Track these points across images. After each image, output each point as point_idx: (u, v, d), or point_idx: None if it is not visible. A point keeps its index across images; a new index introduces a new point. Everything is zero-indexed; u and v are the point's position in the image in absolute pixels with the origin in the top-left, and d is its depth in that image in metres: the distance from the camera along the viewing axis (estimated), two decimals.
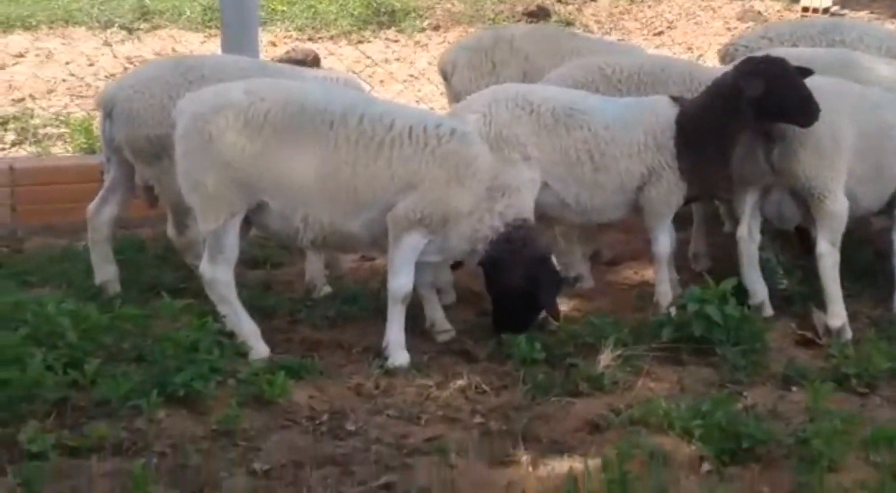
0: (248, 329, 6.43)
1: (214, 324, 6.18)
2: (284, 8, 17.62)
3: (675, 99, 7.30)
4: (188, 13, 17.02)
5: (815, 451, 5.37)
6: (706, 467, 5.45)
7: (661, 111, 7.20)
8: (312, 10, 17.60)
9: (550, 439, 5.70)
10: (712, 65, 9.83)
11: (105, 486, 5.01)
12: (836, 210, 7.09)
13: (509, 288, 6.53)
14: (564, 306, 7.37)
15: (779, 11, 18.65)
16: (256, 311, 7.05)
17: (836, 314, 7.05)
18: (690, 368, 6.54)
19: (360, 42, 16.54)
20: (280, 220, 6.36)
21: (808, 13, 18.17)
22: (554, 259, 6.66)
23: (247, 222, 6.53)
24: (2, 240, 8.34)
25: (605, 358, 6.33)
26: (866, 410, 6.15)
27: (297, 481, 5.19)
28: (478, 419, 5.91)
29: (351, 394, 6.13)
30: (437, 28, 17.31)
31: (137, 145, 7.04)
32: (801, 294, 7.46)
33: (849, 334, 6.98)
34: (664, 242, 7.22)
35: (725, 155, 7.13)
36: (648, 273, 7.80)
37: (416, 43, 16.66)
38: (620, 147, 7.08)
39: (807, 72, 7.03)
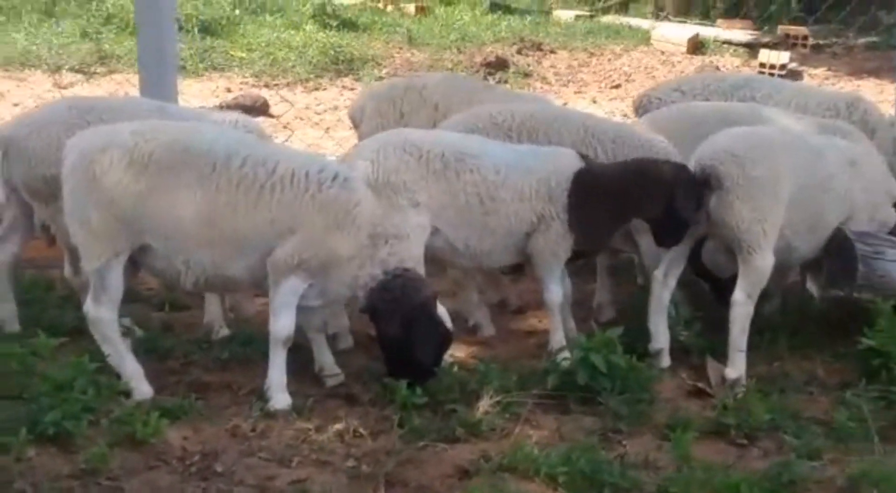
0: (130, 369, 6.45)
1: (91, 363, 6.15)
2: (244, 54, 17.68)
3: (582, 156, 7.31)
4: None
5: None
6: None
7: (561, 162, 7.24)
8: (271, 57, 17.67)
9: (418, 484, 5.70)
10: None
11: None
12: (761, 266, 7.11)
13: (388, 337, 6.52)
14: (462, 352, 7.41)
15: (737, 67, 18.78)
16: (152, 352, 7.12)
17: (736, 365, 7.08)
18: (574, 416, 6.54)
19: (315, 89, 16.63)
20: (163, 261, 6.38)
21: (766, 69, 18.28)
22: (440, 308, 6.60)
23: (135, 263, 6.51)
24: None
25: (485, 404, 6.33)
26: (742, 460, 6.11)
27: None
28: (350, 463, 5.91)
29: (226, 435, 6.13)
30: (394, 77, 17.30)
31: (33, 185, 7.08)
32: (697, 346, 7.43)
33: (743, 386, 6.96)
34: (554, 290, 7.25)
35: (616, 223, 7.32)
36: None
37: None
38: (511, 191, 7.08)
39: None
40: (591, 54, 19.32)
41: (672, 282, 7.32)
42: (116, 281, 6.40)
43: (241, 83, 16.71)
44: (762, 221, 7.06)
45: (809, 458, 6.08)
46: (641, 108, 9.32)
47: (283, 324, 6.40)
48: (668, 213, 7.06)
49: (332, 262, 6.36)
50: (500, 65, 18.03)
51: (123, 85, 15.87)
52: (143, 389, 6.44)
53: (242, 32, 18.86)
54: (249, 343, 7.22)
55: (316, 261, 6.32)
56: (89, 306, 6.43)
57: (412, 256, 6.81)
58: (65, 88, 14.65)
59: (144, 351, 7.15)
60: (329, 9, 19.76)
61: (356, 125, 9.05)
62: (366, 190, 6.54)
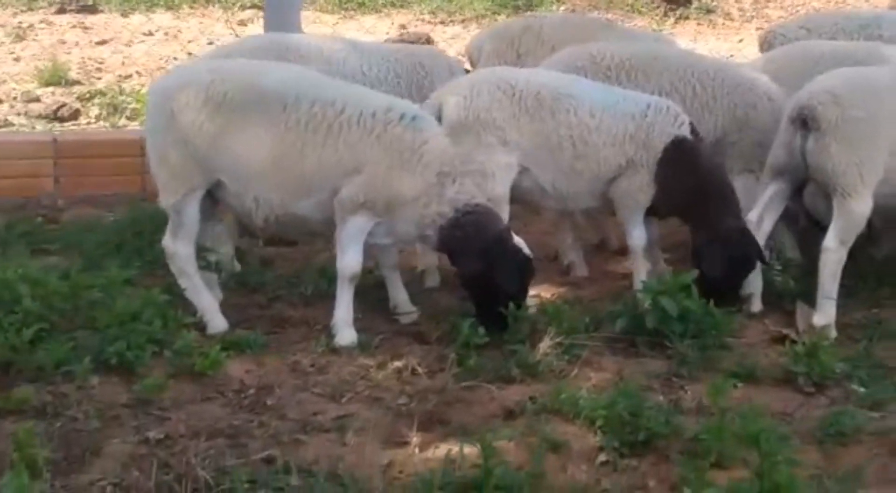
0: (206, 303, 6.63)
1: (161, 296, 6.34)
2: None
3: (692, 125, 7.23)
4: None
5: (703, 446, 5.27)
6: (602, 457, 5.40)
7: (667, 116, 7.18)
8: None
9: (460, 423, 5.71)
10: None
11: None
12: (857, 211, 6.88)
13: (468, 274, 6.54)
14: (549, 292, 7.38)
15: None
16: (243, 286, 7.25)
17: (825, 312, 6.89)
18: (641, 359, 6.49)
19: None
20: (235, 198, 6.54)
21: None
22: (516, 239, 6.58)
23: (215, 200, 6.68)
24: (43, 209, 8.68)
25: (545, 345, 6.30)
26: (803, 409, 5.98)
27: (183, 451, 5.30)
28: (401, 400, 5.96)
29: (286, 370, 6.25)
30: (573, 13, 17.19)
31: None
32: (792, 292, 7.25)
33: (833, 334, 6.79)
34: (636, 235, 7.23)
35: (689, 200, 7.20)
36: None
37: None
38: (604, 136, 7.03)
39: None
40: None
41: (767, 226, 7.14)
42: (192, 216, 6.59)
43: (418, 19, 16.76)
44: (859, 164, 6.81)
45: (871, 409, 5.86)
46: (766, 44, 9.09)
47: (349, 261, 6.49)
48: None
49: (398, 201, 6.40)
50: (681, 0, 17.61)
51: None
52: (216, 322, 6.60)
53: None
54: (333, 281, 7.25)
55: (381, 200, 6.37)
56: (167, 241, 6.64)
57: (494, 194, 6.89)
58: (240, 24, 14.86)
59: (235, 284, 7.32)
60: None
61: (473, 64, 9.02)
62: (436, 129, 6.54)
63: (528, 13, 17.05)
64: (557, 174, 7.05)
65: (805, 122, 6.86)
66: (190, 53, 13.99)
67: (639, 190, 7.08)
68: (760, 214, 7.16)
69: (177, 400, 5.85)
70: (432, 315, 6.94)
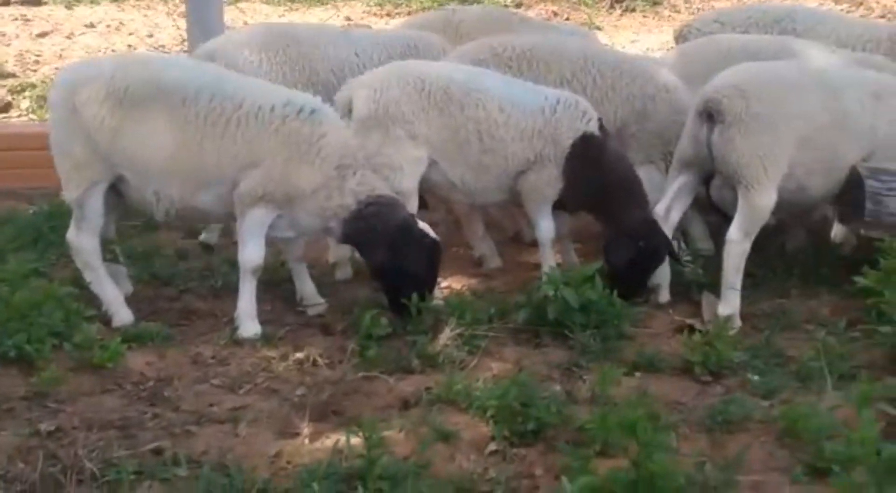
0: (111, 296, 6.66)
1: (64, 288, 6.36)
2: None
3: (600, 121, 7.31)
4: None
5: (589, 435, 5.32)
6: (492, 447, 5.44)
7: (577, 110, 7.22)
8: None
9: (354, 414, 5.74)
10: None
11: None
12: (760, 203, 6.95)
13: (377, 264, 6.60)
14: (460, 283, 7.42)
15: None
16: (156, 279, 7.28)
17: (729, 303, 6.94)
18: (543, 349, 6.53)
19: None
20: (136, 192, 6.57)
21: None
22: (423, 227, 6.64)
23: (119, 194, 6.70)
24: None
25: (445, 336, 6.34)
26: (699, 397, 6.03)
27: (72, 443, 5.32)
28: (299, 392, 5.99)
29: (188, 362, 6.29)
30: (519, 5, 17.26)
31: None
32: (699, 283, 7.31)
33: (737, 324, 6.85)
34: (544, 227, 7.27)
35: (594, 197, 7.27)
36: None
37: None
38: (513, 131, 7.06)
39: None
40: None
41: (675, 217, 7.21)
42: (96, 210, 6.61)
43: (364, 12, 16.75)
44: (763, 157, 6.87)
45: (763, 397, 5.92)
46: (681, 38, 9.14)
47: (250, 254, 6.53)
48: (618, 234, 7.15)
49: (297, 194, 6.44)
50: None
51: (245, 14, 16.15)
52: (122, 315, 6.64)
53: None
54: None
55: (280, 193, 6.41)
56: (71, 235, 6.66)
57: (403, 187, 6.98)
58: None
59: (148, 277, 7.35)
60: None
61: None
62: (335, 122, 6.58)
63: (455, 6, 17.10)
64: (466, 168, 7.07)
65: (711, 115, 6.91)
66: (129, 45, 13.96)
67: (546, 184, 7.10)
68: (668, 205, 7.22)
69: (73, 393, 5.88)
70: (340, 307, 6.98)
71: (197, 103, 6.36)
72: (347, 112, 7.09)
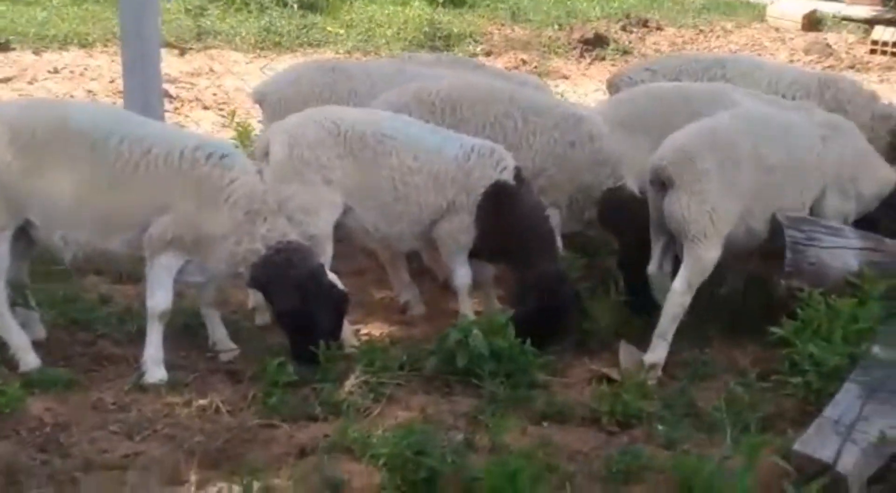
0: (17, 340, 6.62)
1: None
2: (341, 31, 17.75)
3: (518, 170, 7.25)
4: (243, 33, 17.24)
5: (478, 485, 5.26)
6: None
7: (491, 159, 7.19)
8: (369, 33, 17.68)
9: (249, 462, 5.66)
10: None
11: None
12: (706, 257, 6.99)
13: (281, 311, 6.56)
14: (380, 330, 7.38)
15: (850, 44, 18.13)
16: (75, 323, 7.22)
17: (657, 352, 6.93)
18: (452, 398, 6.45)
19: None
20: (44, 236, 6.50)
21: (878, 47, 17.65)
22: (331, 278, 6.59)
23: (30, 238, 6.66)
24: None
25: (350, 383, 6.30)
26: (605, 447, 5.97)
27: None
28: (197, 439, 5.92)
29: (88, 408, 6.22)
30: (489, 54, 17.26)
31: None
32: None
33: (657, 373, 6.80)
34: (461, 273, 7.25)
35: (507, 245, 7.24)
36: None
37: None
38: (425, 178, 7.04)
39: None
40: (700, 31, 18.87)
41: (667, 269, 7.34)
42: (2, 255, 6.54)
43: (335, 58, 16.71)
44: (711, 212, 6.94)
45: (667, 447, 5.86)
46: (613, 87, 9.14)
47: (158, 299, 6.49)
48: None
49: (206, 239, 6.41)
50: (598, 41, 17.72)
51: (212, 61, 16.16)
52: (28, 360, 6.59)
53: (347, 9, 18.90)
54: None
55: (189, 238, 6.38)
56: None
57: (318, 231, 6.99)
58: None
59: (67, 322, 7.30)
60: None
61: None
62: (245, 167, 6.55)
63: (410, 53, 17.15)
64: (379, 215, 7.03)
65: (662, 182, 6.96)
66: (90, 91, 13.98)
67: (459, 232, 7.08)
68: (658, 264, 7.31)
69: None
70: (253, 354, 6.89)
71: (106, 147, 6.31)
72: (265, 156, 7.04)
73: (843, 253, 7.13)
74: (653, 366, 6.80)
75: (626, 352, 6.99)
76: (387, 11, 18.75)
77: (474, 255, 7.24)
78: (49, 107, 6.73)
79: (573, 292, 7.00)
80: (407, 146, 7.08)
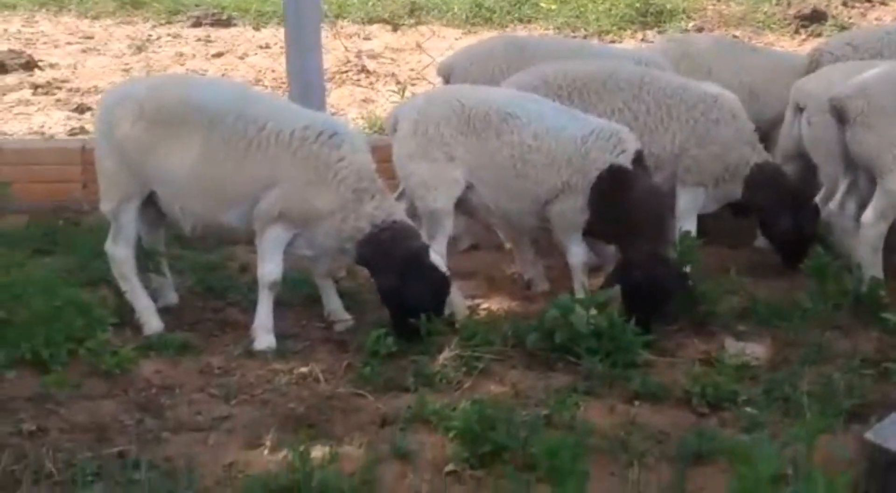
0: (143, 305, 6.96)
1: (87, 296, 6.69)
2: (554, 6, 17.76)
3: (639, 154, 7.25)
4: (455, 9, 17.44)
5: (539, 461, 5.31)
6: (450, 467, 5.49)
7: (610, 141, 7.20)
8: (581, 9, 17.64)
9: (328, 429, 5.85)
10: None
11: None
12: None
13: (384, 288, 6.76)
14: (500, 305, 7.49)
15: None
16: (210, 290, 7.56)
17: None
18: (550, 374, 6.51)
19: (611, 41, 16.49)
20: (166, 207, 6.84)
21: None
22: (434, 260, 6.73)
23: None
24: (67, 213, 9.09)
25: (444, 357, 6.41)
26: (691, 429, 5.93)
27: (45, 443, 5.59)
28: (291, 405, 6.12)
29: (195, 371, 6.49)
30: (700, 30, 17.01)
31: None
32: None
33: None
34: (576, 252, 7.28)
35: (619, 229, 7.25)
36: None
37: None
38: (543, 156, 7.10)
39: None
40: None
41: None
42: (129, 223, 6.94)
43: (540, 34, 16.78)
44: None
45: (747, 431, 5.80)
46: (814, 62, 8.96)
47: (268, 269, 6.75)
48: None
49: (313, 214, 6.64)
50: (815, 17, 17.22)
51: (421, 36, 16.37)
52: (152, 324, 6.93)
53: None
54: (293, 288, 7.48)
55: (297, 213, 6.62)
56: (108, 245, 6.98)
57: (436, 207, 7.21)
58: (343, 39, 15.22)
59: (203, 289, 7.62)
60: None
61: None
62: (355, 146, 6.74)
63: (656, 29, 17.02)
64: (499, 192, 7.12)
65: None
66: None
67: (573, 213, 7.12)
68: (840, 204, 7.64)
69: (74, 396, 6.12)
70: (367, 326, 7.02)
71: (222, 124, 6.57)
72: (393, 131, 7.23)
73: None
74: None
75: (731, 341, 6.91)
76: None
77: (591, 235, 7.20)
78: (175, 84, 7.06)
79: (676, 274, 6.93)
80: (528, 125, 7.08)
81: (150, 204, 6.99)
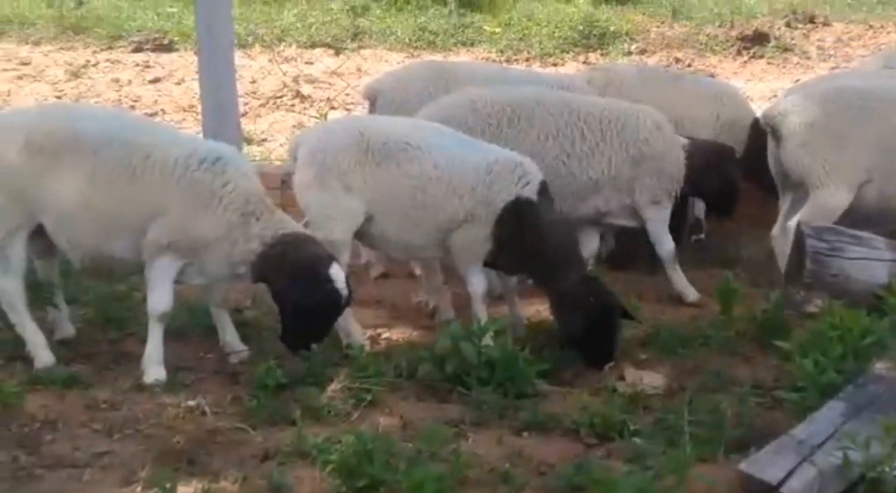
0: (33, 338, 6.87)
1: None
2: (497, 30, 17.76)
3: (543, 185, 7.21)
4: (399, 33, 17.42)
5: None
6: None
7: (513, 173, 7.15)
8: (524, 31, 17.64)
9: (215, 464, 5.78)
10: None
11: None
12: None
13: (275, 295, 6.70)
14: (402, 334, 7.45)
15: None
16: (109, 321, 7.48)
17: None
18: (443, 405, 6.45)
19: (554, 65, 16.51)
20: (54, 239, 6.74)
21: None
22: (332, 272, 6.60)
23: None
24: None
25: (334, 388, 6.35)
26: (574, 460, 5.86)
27: None
28: (175, 439, 6.04)
29: (82, 406, 6.39)
30: (643, 52, 17.06)
31: None
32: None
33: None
34: (476, 282, 7.21)
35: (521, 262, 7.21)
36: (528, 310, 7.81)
37: None
38: (444, 187, 7.04)
39: None
40: (870, 27, 18.19)
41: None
42: (17, 254, 6.83)
43: (483, 58, 16.77)
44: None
45: (631, 461, 5.76)
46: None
47: (156, 301, 6.67)
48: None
49: (200, 243, 6.56)
50: (758, 39, 17.29)
51: (368, 59, 16.32)
52: (43, 357, 6.84)
53: (508, 7, 18.87)
54: (197, 318, 7.41)
55: (184, 242, 6.54)
56: None
57: (333, 238, 7.08)
58: (282, 63, 15.17)
59: (103, 320, 7.54)
60: None
61: None
62: (241, 169, 6.68)
63: (599, 52, 17.05)
64: (400, 223, 7.06)
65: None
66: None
67: (476, 243, 7.07)
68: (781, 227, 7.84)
69: None
70: (262, 355, 6.94)
71: (107, 153, 6.49)
72: (294, 159, 7.17)
73: (870, 265, 6.82)
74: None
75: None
76: (548, 9, 18.57)
77: (493, 266, 7.17)
78: (60, 112, 6.94)
79: (613, 295, 7.03)
80: (428, 155, 7.02)
81: (41, 235, 6.83)
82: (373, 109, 8.80)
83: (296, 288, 6.50)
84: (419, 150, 7.12)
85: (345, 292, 6.60)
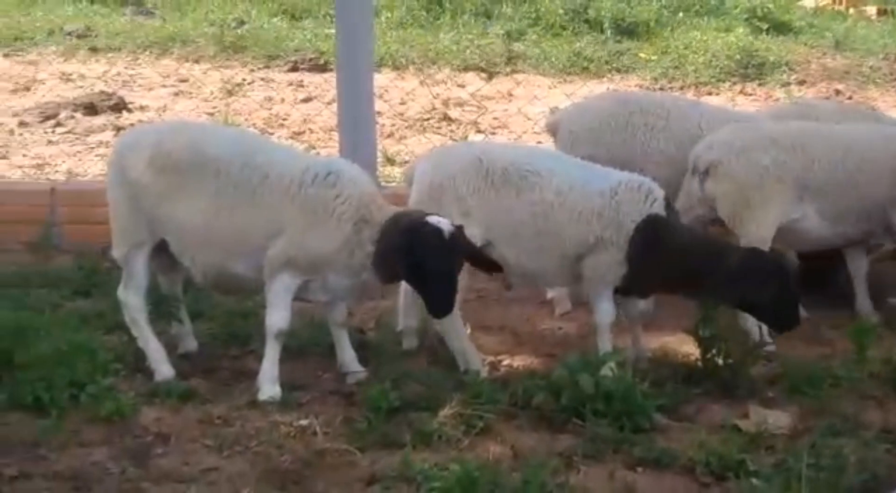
0: (153, 351, 6.92)
1: (95, 340, 6.69)
2: (654, 57, 17.55)
3: (667, 200, 7.10)
4: (553, 58, 17.33)
5: None
6: None
7: (640, 193, 7.02)
8: (680, 59, 17.41)
9: (319, 486, 5.76)
10: None
11: None
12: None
13: (407, 277, 6.67)
14: (523, 362, 7.34)
15: None
16: (234, 337, 7.50)
17: None
18: (557, 435, 6.32)
19: (708, 94, 16.26)
20: (178, 256, 6.79)
21: None
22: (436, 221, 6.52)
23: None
24: None
25: (443, 414, 6.26)
26: None
27: (20, 489, 5.56)
28: (283, 458, 6.03)
29: (194, 421, 6.41)
30: (802, 83, 16.71)
31: None
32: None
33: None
34: (604, 310, 7.04)
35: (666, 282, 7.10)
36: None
37: (769, 97, 16.12)
38: (569, 213, 6.94)
39: None
40: None
41: None
42: (140, 269, 6.91)
43: (637, 85, 16.61)
44: None
45: None
46: None
47: (275, 319, 6.66)
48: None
49: (319, 258, 6.54)
50: None
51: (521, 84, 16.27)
52: (163, 370, 6.88)
53: (666, 35, 18.63)
54: (313, 339, 7.40)
55: (303, 258, 6.53)
56: (120, 291, 6.95)
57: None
58: (433, 85, 15.19)
59: (227, 336, 7.57)
60: (761, 11, 19.14)
61: None
62: (353, 180, 6.65)
63: (756, 82, 16.73)
64: (521, 250, 6.96)
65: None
66: (378, 112, 14.31)
67: (608, 268, 6.93)
68: None
69: (67, 442, 6.09)
70: (382, 377, 6.89)
71: (229, 173, 6.52)
72: (410, 183, 7.13)
73: None
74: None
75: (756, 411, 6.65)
76: (706, 38, 18.27)
77: (625, 291, 7.03)
78: (186, 131, 6.99)
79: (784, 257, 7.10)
80: (549, 182, 6.92)
81: (165, 250, 6.89)
82: (555, 140, 8.65)
83: (403, 252, 6.41)
84: (539, 176, 6.98)
85: (447, 227, 6.44)
